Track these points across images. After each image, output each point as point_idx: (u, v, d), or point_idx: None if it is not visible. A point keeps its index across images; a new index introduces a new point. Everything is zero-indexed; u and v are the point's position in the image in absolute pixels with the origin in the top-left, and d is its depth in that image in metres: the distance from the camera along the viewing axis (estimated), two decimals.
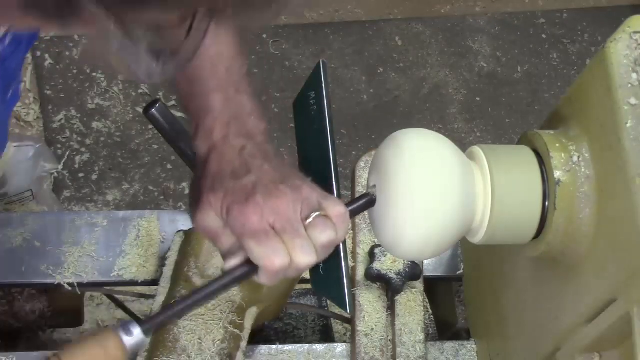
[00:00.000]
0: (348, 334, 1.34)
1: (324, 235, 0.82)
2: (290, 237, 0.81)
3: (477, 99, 2.64)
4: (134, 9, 0.53)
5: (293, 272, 0.83)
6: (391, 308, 1.18)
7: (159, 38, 0.61)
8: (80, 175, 2.40)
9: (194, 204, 0.88)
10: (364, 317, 1.18)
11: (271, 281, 0.83)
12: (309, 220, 0.82)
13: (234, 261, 0.83)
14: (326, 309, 1.45)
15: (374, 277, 1.18)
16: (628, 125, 0.75)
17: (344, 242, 0.87)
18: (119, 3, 0.52)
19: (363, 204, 0.87)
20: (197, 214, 0.86)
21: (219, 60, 0.90)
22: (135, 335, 0.79)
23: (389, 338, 1.16)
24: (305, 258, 0.81)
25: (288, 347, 1.20)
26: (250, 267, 0.82)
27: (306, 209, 0.83)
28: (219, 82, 0.91)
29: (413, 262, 1.19)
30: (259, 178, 0.84)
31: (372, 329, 1.17)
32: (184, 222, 1.30)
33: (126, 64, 0.60)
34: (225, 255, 0.85)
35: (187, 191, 2.38)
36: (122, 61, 0.60)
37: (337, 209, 0.84)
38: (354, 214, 0.88)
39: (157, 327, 0.83)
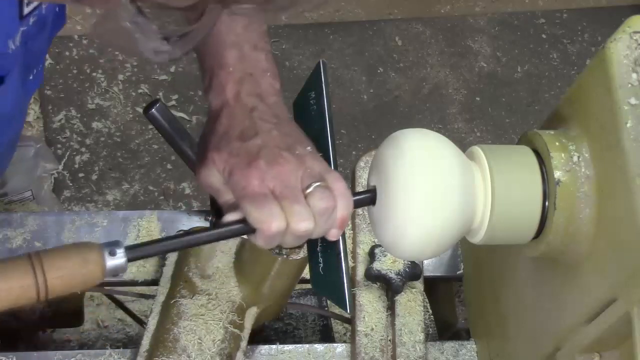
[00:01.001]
0: (348, 334, 1.34)
1: (322, 203, 0.82)
2: (288, 202, 0.81)
3: (477, 99, 2.64)
4: None
5: (290, 238, 0.83)
6: (391, 308, 1.18)
7: (170, 17, 0.61)
8: (80, 175, 2.40)
9: (199, 158, 0.88)
10: (364, 317, 1.18)
11: (267, 245, 0.84)
12: (309, 190, 0.82)
13: (233, 216, 0.84)
14: (326, 309, 1.45)
15: (374, 277, 1.18)
16: (628, 125, 0.75)
17: (344, 242, 0.87)
18: None
19: (365, 198, 0.87)
20: (201, 169, 0.87)
21: (237, 17, 0.90)
22: (118, 257, 0.77)
23: (389, 338, 1.16)
24: (303, 224, 0.82)
25: (288, 347, 1.20)
26: (248, 226, 0.83)
27: (307, 178, 0.83)
28: (236, 37, 0.91)
29: (413, 262, 1.19)
30: (265, 142, 0.84)
31: (372, 329, 1.17)
32: (184, 222, 1.30)
33: (135, 42, 0.60)
34: (225, 210, 0.86)
35: (187, 191, 2.38)
36: (131, 38, 0.60)
37: (338, 184, 0.84)
38: (356, 205, 0.88)
39: (143, 256, 0.82)
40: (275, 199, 0.82)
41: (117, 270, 0.78)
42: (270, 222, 0.81)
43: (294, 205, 0.81)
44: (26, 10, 0.87)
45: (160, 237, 0.84)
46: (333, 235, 0.85)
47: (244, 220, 0.83)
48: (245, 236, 0.85)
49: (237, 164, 0.83)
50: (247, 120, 0.87)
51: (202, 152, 0.88)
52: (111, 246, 0.78)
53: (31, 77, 1.02)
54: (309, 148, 0.87)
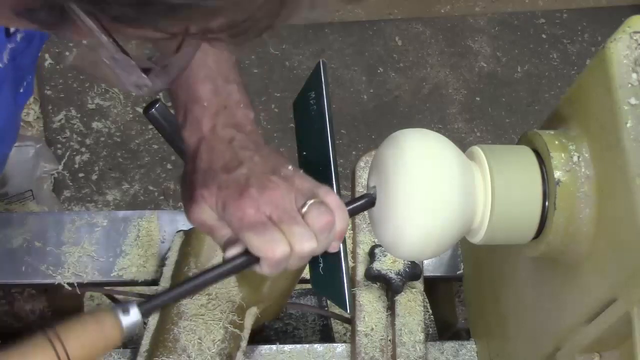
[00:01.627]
0: (348, 334, 1.34)
1: (322, 219, 0.82)
2: (288, 225, 0.81)
3: (477, 99, 2.64)
4: (128, 25, 0.53)
5: (295, 260, 0.82)
6: (391, 308, 1.18)
7: (150, 52, 0.61)
8: (80, 175, 2.40)
9: (186, 198, 0.88)
10: (364, 317, 1.18)
11: (273, 271, 0.83)
12: (304, 209, 0.82)
13: (234, 250, 0.83)
14: (326, 309, 1.45)
15: (374, 277, 1.18)
16: (628, 125, 0.75)
17: (344, 242, 0.87)
18: (113, 19, 0.53)
19: (362, 204, 0.87)
20: (191, 209, 0.86)
21: (207, 50, 0.90)
22: (132, 315, 0.78)
23: (389, 338, 1.16)
24: (306, 244, 0.81)
25: (288, 347, 1.20)
26: (251, 257, 0.82)
27: (300, 197, 0.83)
28: (208, 71, 0.91)
29: (413, 262, 1.19)
30: (251, 170, 0.84)
31: (372, 329, 1.17)
32: (184, 222, 1.30)
33: (116, 75, 0.60)
34: (224, 246, 0.85)
35: None
36: (112, 72, 0.60)
37: (331, 197, 0.84)
38: (353, 214, 0.88)
39: (155, 309, 0.83)
40: (274, 225, 0.81)
41: (135, 328, 0.79)
42: (274, 248, 0.80)
43: (293, 227, 0.81)
44: (12, 29, 0.88)
45: (171, 287, 0.84)
46: (334, 248, 0.85)
47: (247, 251, 0.82)
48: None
49: (229, 196, 0.82)
50: (227, 151, 0.86)
51: (188, 192, 0.87)
52: (124, 307, 0.79)
53: (21, 90, 1.03)
54: (290, 167, 0.86)
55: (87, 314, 0.79)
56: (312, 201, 0.82)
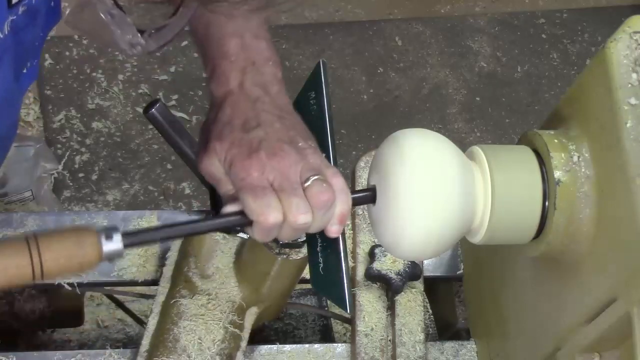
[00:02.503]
0: (348, 334, 1.34)
1: (321, 196, 0.82)
2: (287, 195, 0.82)
3: (477, 99, 2.64)
4: None
5: (288, 231, 0.83)
6: (391, 308, 1.18)
7: (146, 11, 0.61)
8: (80, 175, 2.40)
9: (201, 146, 0.88)
10: (364, 317, 1.18)
11: (264, 237, 0.84)
12: (307, 183, 0.83)
13: (231, 207, 0.84)
14: (326, 309, 1.45)
15: (374, 277, 1.18)
16: (628, 125, 0.75)
17: (344, 242, 0.87)
18: None
19: (364, 196, 0.87)
20: (203, 158, 0.87)
21: (236, 5, 0.90)
22: (115, 241, 0.77)
23: (389, 338, 1.16)
24: (300, 217, 0.82)
25: (288, 347, 1.20)
26: (245, 218, 0.83)
27: (306, 171, 0.83)
28: (236, 26, 0.91)
29: (413, 262, 1.19)
30: (267, 134, 0.84)
31: (372, 329, 1.17)
32: None
33: (111, 33, 0.60)
34: (225, 201, 0.86)
35: (187, 191, 2.38)
36: (107, 30, 0.60)
37: (336, 179, 0.84)
38: (355, 204, 0.88)
39: (139, 243, 0.82)
40: (274, 192, 0.82)
41: (114, 255, 0.78)
42: (268, 214, 0.81)
43: (292, 198, 0.82)
44: None
45: (157, 226, 0.83)
46: (334, 231, 0.85)
47: (242, 212, 0.83)
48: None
49: (238, 154, 0.83)
50: (250, 110, 0.87)
51: (204, 140, 0.88)
52: (108, 230, 0.78)
53: (25, 71, 1.02)
54: (310, 143, 0.87)
55: (71, 229, 0.77)
56: (316, 177, 0.83)
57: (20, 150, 2.05)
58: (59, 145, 2.43)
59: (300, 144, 0.85)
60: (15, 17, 0.90)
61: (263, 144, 0.83)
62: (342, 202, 0.84)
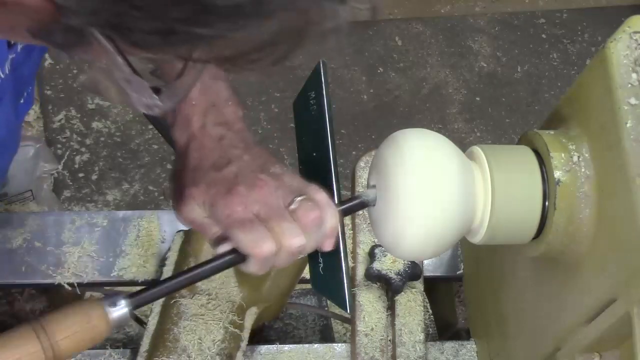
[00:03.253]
0: (348, 334, 1.34)
1: (309, 215, 0.82)
2: (276, 222, 0.81)
3: (477, 99, 2.64)
4: (147, 51, 0.54)
5: (284, 257, 0.82)
6: (391, 308, 1.18)
7: (159, 72, 0.62)
8: (80, 175, 2.40)
9: (176, 197, 0.88)
10: (364, 317, 1.18)
11: (261, 269, 0.83)
12: (292, 206, 0.82)
13: (223, 247, 0.84)
14: (326, 309, 1.45)
15: (374, 277, 1.18)
16: (628, 125, 0.75)
17: (344, 242, 0.87)
18: (132, 44, 0.53)
19: (354, 204, 0.87)
20: (181, 207, 0.86)
21: None
22: (120, 308, 0.78)
23: (389, 338, 1.16)
24: (294, 240, 0.81)
25: (288, 347, 1.20)
26: (239, 254, 0.82)
27: (289, 195, 0.83)
28: None
29: (413, 262, 1.19)
30: (240, 168, 0.84)
31: (372, 329, 1.17)
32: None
33: (128, 96, 0.61)
34: (215, 243, 0.85)
35: None
36: (123, 92, 0.60)
37: (319, 195, 0.84)
38: (346, 213, 0.88)
39: (144, 302, 0.82)
40: (262, 222, 0.81)
41: (122, 321, 0.79)
42: (261, 245, 0.80)
43: (282, 224, 0.81)
44: (21, 43, 0.88)
45: (160, 281, 0.84)
46: (328, 246, 0.85)
47: (235, 249, 0.82)
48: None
49: (217, 194, 0.83)
50: (217, 149, 0.86)
51: (177, 190, 0.87)
52: (112, 300, 0.78)
53: (22, 101, 1.03)
54: (278, 166, 0.86)
55: (75, 305, 0.78)
56: (300, 198, 0.83)
57: (21, 150, 2.04)
58: (59, 145, 2.43)
59: (272, 170, 0.85)
60: (14, 55, 0.90)
61: (239, 178, 0.83)
62: (330, 216, 0.84)
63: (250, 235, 0.80)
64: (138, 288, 1.20)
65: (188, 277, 0.84)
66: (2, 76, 0.89)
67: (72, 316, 0.77)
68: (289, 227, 0.81)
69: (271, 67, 0.58)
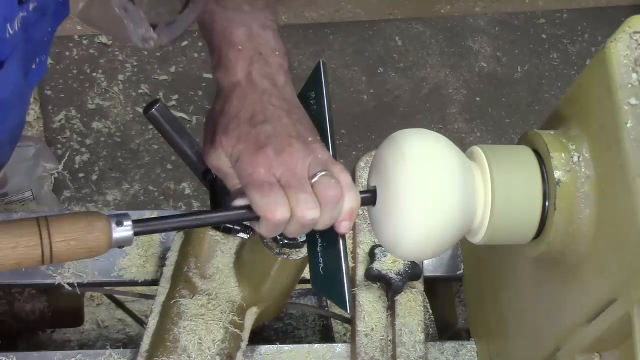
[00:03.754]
0: (348, 334, 1.34)
1: (329, 191, 0.82)
2: (294, 191, 0.81)
3: (477, 99, 2.64)
4: None
5: (295, 226, 0.83)
6: (391, 308, 1.18)
7: (157, 5, 0.61)
8: (80, 175, 2.40)
9: (207, 139, 0.88)
10: (364, 317, 1.18)
11: (271, 233, 0.83)
12: (314, 179, 0.82)
13: (240, 201, 0.84)
14: (326, 309, 1.45)
15: (374, 277, 1.18)
16: (628, 125, 0.75)
17: (344, 242, 0.87)
18: None
19: (365, 197, 0.87)
20: (209, 152, 0.87)
21: None
22: (125, 228, 0.78)
23: (389, 338, 1.16)
24: (308, 212, 0.81)
25: (288, 347, 1.20)
26: (253, 213, 0.83)
27: (314, 167, 0.83)
28: (242, 16, 0.90)
29: (413, 262, 1.19)
30: (274, 129, 0.84)
31: (372, 329, 1.17)
32: None
33: (124, 27, 0.60)
34: (234, 194, 0.85)
35: (187, 191, 2.38)
36: (120, 24, 0.60)
37: (344, 175, 0.84)
38: None
39: (149, 231, 0.82)
40: (281, 187, 0.81)
41: (123, 242, 0.79)
42: (275, 210, 0.81)
43: (299, 194, 0.81)
44: None
45: (166, 215, 0.83)
46: (344, 227, 0.85)
47: (250, 206, 0.83)
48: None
49: (245, 149, 0.83)
50: (257, 104, 0.86)
51: (210, 132, 0.87)
52: (119, 217, 0.78)
53: (34, 66, 1.02)
54: (317, 137, 0.87)
55: (82, 213, 0.78)
56: (323, 172, 0.83)
57: (20, 150, 2.05)
58: (59, 145, 2.43)
59: (309, 139, 0.85)
60: (25, 13, 0.90)
61: (271, 139, 0.83)
62: (351, 198, 0.84)
63: (266, 198, 0.81)
64: (139, 288, 1.20)
65: (197, 218, 0.84)
66: (12, 32, 0.88)
67: (77, 222, 0.76)
68: (306, 197, 0.81)
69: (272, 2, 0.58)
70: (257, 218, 0.83)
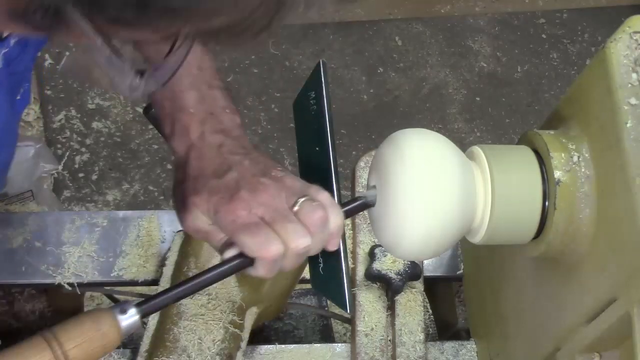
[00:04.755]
0: (348, 334, 1.34)
1: (314, 215, 0.82)
2: (281, 224, 0.81)
3: (477, 99, 2.64)
4: (124, 28, 0.53)
5: (291, 259, 0.82)
6: (391, 308, 1.18)
7: (142, 54, 0.61)
8: (80, 175, 2.40)
9: (179, 207, 0.87)
10: (364, 317, 1.18)
11: (269, 272, 0.83)
12: (296, 207, 0.82)
13: (230, 252, 0.83)
14: (326, 309, 1.45)
15: (374, 277, 1.18)
16: (628, 125, 0.75)
17: (344, 242, 0.87)
18: (109, 21, 0.52)
19: (356, 206, 0.87)
20: (185, 217, 0.86)
21: (190, 58, 0.90)
22: (130, 315, 0.78)
23: (389, 338, 1.16)
24: (300, 241, 0.81)
25: (288, 347, 1.20)
26: (246, 258, 0.82)
27: (291, 196, 0.83)
28: (192, 79, 0.91)
29: (413, 262, 1.19)
30: (241, 174, 0.84)
31: (372, 329, 1.17)
32: None
33: (110, 78, 0.60)
34: (221, 249, 0.85)
35: None
36: (105, 75, 0.60)
37: (322, 195, 0.84)
38: (347, 216, 0.88)
39: (153, 309, 0.82)
40: (267, 225, 0.81)
41: (133, 329, 0.79)
42: (268, 247, 0.80)
43: (287, 225, 0.81)
44: (5, 32, 0.88)
45: (168, 288, 0.84)
46: (333, 245, 0.85)
47: (242, 253, 0.82)
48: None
49: (220, 200, 0.83)
50: (217, 157, 0.86)
51: (180, 200, 0.87)
52: (122, 307, 0.79)
53: (18, 97, 1.02)
54: (279, 169, 0.86)
55: (85, 314, 0.78)
56: (303, 198, 0.83)
57: (20, 150, 2.05)
58: (59, 145, 2.43)
59: (272, 173, 0.85)
60: (7, 49, 0.90)
61: (241, 183, 0.83)
62: (335, 215, 0.83)
63: (256, 238, 0.80)
64: (139, 288, 1.21)
65: (196, 284, 0.84)
66: None
67: (82, 324, 0.77)
68: (294, 228, 0.81)
69: (254, 40, 0.58)
70: (252, 262, 0.82)
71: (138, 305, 0.79)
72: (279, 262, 0.82)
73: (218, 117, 0.90)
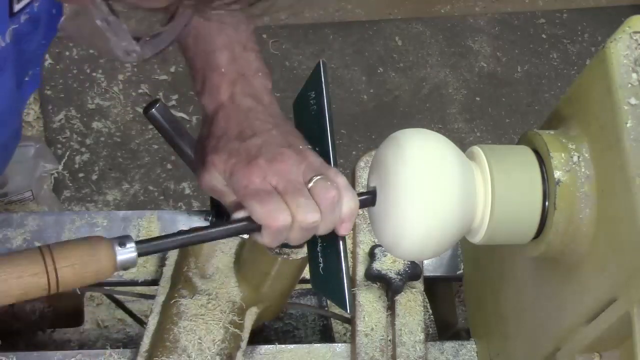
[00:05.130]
0: (348, 334, 1.34)
1: (327, 194, 0.82)
2: (292, 196, 0.81)
3: (477, 99, 2.64)
4: None
5: (297, 232, 0.82)
6: (391, 308, 1.18)
7: (142, 18, 0.61)
8: (80, 175, 2.40)
9: (198, 163, 0.88)
10: (364, 317, 1.18)
11: (273, 241, 0.83)
12: (310, 184, 0.83)
13: (240, 213, 0.84)
14: (326, 309, 1.45)
15: (374, 277, 1.18)
16: (628, 125, 0.75)
17: (344, 242, 0.87)
18: None
19: (365, 199, 0.87)
20: (202, 174, 0.87)
21: (225, 18, 0.90)
22: (128, 250, 0.78)
23: (389, 338, 1.16)
24: (309, 215, 0.81)
25: (288, 347, 1.20)
26: (254, 223, 0.83)
27: (309, 172, 0.83)
28: (226, 39, 0.91)
29: (413, 262, 1.19)
30: (265, 141, 0.85)
31: (372, 329, 1.17)
32: (184, 222, 1.30)
33: (106, 40, 0.60)
34: (232, 209, 0.85)
35: (187, 191, 2.38)
36: (102, 37, 0.60)
37: (339, 178, 0.84)
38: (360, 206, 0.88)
39: (152, 250, 0.82)
40: (279, 195, 0.81)
41: (128, 264, 0.79)
42: (276, 216, 0.80)
43: (298, 199, 0.81)
44: (17, 7, 0.87)
45: (171, 233, 0.84)
46: (344, 229, 0.85)
47: (250, 218, 0.83)
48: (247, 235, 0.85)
49: (237, 163, 0.83)
50: (244, 121, 0.87)
51: (200, 156, 0.88)
52: (122, 239, 0.78)
53: (27, 79, 1.02)
54: (308, 146, 0.87)
55: (85, 238, 0.78)
56: (319, 177, 0.83)
57: (20, 150, 2.04)
58: (59, 145, 2.43)
59: (299, 147, 0.85)
60: (17, 25, 0.90)
61: (262, 150, 0.83)
62: (349, 199, 0.84)
63: (265, 206, 0.81)
64: (139, 288, 1.21)
65: (199, 235, 0.84)
66: (3, 44, 0.88)
67: (80, 247, 0.76)
68: (305, 202, 0.81)
69: (250, 8, 0.58)
70: (258, 228, 0.82)
71: (138, 242, 0.79)
72: (284, 233, 0.82)
73: (249, 79, 0.90)
